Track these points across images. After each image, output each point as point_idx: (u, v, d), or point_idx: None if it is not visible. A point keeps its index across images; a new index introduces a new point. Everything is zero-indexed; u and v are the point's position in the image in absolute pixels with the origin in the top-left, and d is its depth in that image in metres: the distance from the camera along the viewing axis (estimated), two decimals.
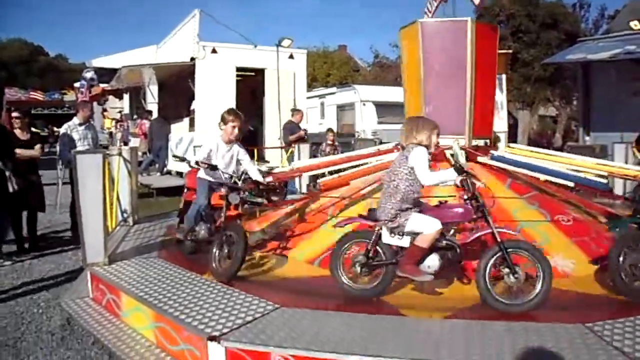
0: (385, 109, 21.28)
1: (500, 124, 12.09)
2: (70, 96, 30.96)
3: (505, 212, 5.89)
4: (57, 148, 9.41)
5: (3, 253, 7.37)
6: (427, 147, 4.69)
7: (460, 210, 4.72)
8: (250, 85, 15.80)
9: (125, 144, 19.38)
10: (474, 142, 6.98)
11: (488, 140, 7.31)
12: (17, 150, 7.39)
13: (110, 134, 27.84)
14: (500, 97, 12.34)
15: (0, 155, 6.98)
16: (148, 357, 4.22)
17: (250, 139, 15.84)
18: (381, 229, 4.71)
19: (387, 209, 4.62)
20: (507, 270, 4.42)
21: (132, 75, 17.13)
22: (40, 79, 48.95)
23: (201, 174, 6.02)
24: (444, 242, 4.62)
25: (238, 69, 14.76)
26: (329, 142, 13.88)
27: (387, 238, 4.71)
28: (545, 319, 4.02)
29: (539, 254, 4.45)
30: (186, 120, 15.72)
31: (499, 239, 4.47)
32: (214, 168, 5.76)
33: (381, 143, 11.80)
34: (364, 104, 21.75)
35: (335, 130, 16.36)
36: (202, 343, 3.79)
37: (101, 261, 5.73)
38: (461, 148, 6.66)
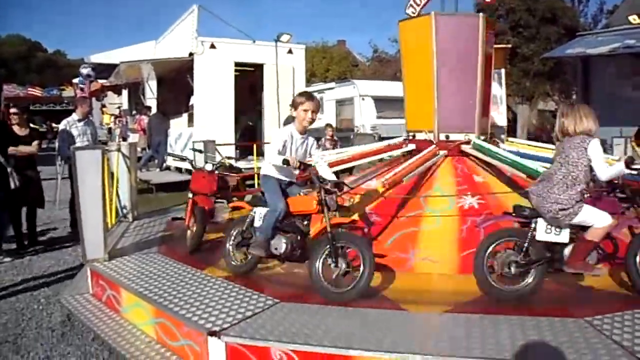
0: (384, 104, 21.22)
1: (499, 118, 12.07)
2: (68, 92, 31.01)
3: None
4: (56, 144, 9.41)
5: (3, 250, 7.37)
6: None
7: (610, 202, 4.69)
8: (249, 81, 15.80)
9: (124, 139, 19.37)
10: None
11: (487, 135, 7.29)
12: (14, 148, 7.39)
13: (109, 129, 27.81)
14: (500, 91, 12.32)
15: (2, 151, 6.98)
16: (148, 352, 4.22)
17: (249, 134, 15.86)
18: (536, 224, 4.56)
19: (564, 200, 4.40)
20: None
21: (131, 71, 17.13)
22: (38, 75, 48.93)
23: (268, 169, 5.17)
24: None
25: (237, 64, 14.75)
26: (328, 137, 13.87)
27: (542, 235, 4.55)
28: (545, 313, 4.02)
29: None
30: (185, 115, 15.73)
31: None
32: (306, 167, 5.00)
33: (380, 138, 11.80)
34: (362, 99, 21.70)
35: (334, 125, 16.35)
36: (202, 338, 3.80)
37: (101, 257, 5.73)
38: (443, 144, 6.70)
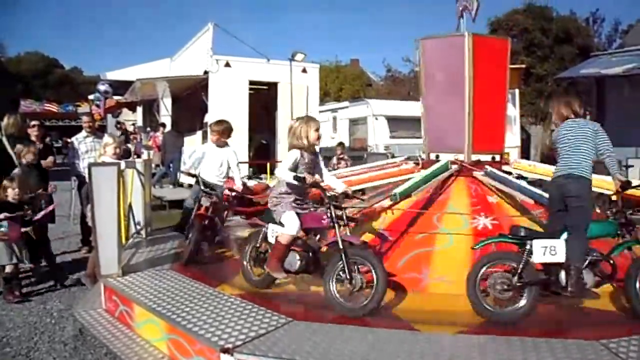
0: (397, 123, 21.26)
1: (512, 139, 12.05)
2: (84, 108, 31.29)
3: None
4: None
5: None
6: None
7: None
8: (263, 99, 15.90)
9: (138, 156, 19.51)
10: (477, 157, 6.97)
11: (497, 156, 7.24)
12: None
13: None
14: (513, 112, 12.32)
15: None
16: None
17: (263, 153, 15.93)
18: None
19: None
20: None
21: (146, 88, 17.31)
22: (56, 92, 49.47)
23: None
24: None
25: (251, 83, 14.87)
26: (339, 156, 13.90)
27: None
28: (560, 335, 3.99)
29: None
30: (199, 133, 15.82)
31: None
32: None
33: (393, 157, 11.79)
34: (376, 118, 21.75)
35: (347, 144, 16.36)
36: (215, 355, 3.79)
37: (115, 273, 5.75)
38: (454, 162, 6.68)
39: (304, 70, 15.45)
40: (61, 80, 54.99)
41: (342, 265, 4.75)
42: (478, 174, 6.71)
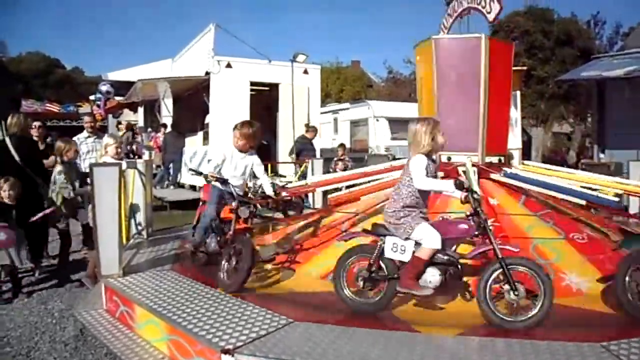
0: (398, 125, 21.26)
1: (514, 140, 12.02)
2: (85, 109, 31.33)
3: (518, 228, 5.87)
4: None
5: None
6: None
7: None
8: (264, 100, 15.90)
9: (139, 156, 19.52)
10: (487, 159, 6.95)
11: (502, 158, 7.26)
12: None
13: None
14: (515, 113, 12.29)
15: (34, 167, 7.10)
16: None
17: (264, 153, 15.93)
18: None
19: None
20: None
21: (147, 88, 17.31)
22: (56, 92, 49.41)
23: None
24: None
25: (252, 84, 14.87)
26: (340, 157, 13.92)
27: None
28: (560, 337, 3.98)
29: None
30: (200, 134, 15.84)
31: None
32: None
33: (394, 159, 11.79)
34: (377, 120, 21.77)
35: (348, 146, 16.40)
36: (216, 356, 3.79)
37: (115, 273, 5.75)
38: (473, 165, 6.65)
39: (306, 72, 15.46)
40: (62, 81, 54.90)
41: (498, 275, 4.42)
42: (496, 176, 6.70)
